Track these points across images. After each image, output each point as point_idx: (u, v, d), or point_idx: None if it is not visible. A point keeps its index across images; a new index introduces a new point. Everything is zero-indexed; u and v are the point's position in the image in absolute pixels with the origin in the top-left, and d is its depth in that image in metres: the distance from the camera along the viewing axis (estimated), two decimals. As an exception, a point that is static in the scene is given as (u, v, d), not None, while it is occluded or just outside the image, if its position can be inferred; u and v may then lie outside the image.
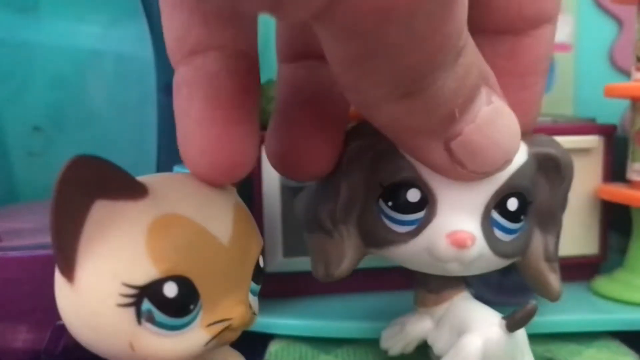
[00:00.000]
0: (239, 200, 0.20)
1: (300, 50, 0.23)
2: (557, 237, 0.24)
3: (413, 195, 0.22)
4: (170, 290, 0.16)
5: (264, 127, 0.34)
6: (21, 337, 0.27)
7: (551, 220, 0.24)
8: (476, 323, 0.23)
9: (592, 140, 0.34)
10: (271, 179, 0.32)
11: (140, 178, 0.18)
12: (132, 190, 0.17)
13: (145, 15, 0.34)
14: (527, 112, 0.23)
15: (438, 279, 0.24)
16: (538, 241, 0.24)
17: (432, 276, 0.24)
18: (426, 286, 0.25)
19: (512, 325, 0.23)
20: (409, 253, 0.23)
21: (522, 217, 0.23)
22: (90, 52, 0.41)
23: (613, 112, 0.41)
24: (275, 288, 0.32)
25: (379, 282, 0.28)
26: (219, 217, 0.18)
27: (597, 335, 0.31)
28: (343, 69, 0.17)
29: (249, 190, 0.31)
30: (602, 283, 0.34)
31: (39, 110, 0.42)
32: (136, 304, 0.16)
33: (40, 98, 0.41)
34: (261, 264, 0.20)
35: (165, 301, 0.16)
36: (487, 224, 0.22)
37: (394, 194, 0.23)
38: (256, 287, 0.20)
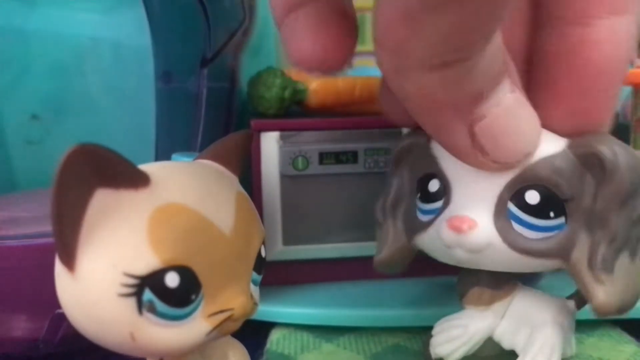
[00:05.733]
0: (241, 189, 0.20)
1: None
2: (610, 243, 0.21)
3: (433, 185, 0.24)
4: (172, 280, 0.16)
5: (263, 115, 0.34)
6: (20, 326, 0.27)
7: (599, 224, 0.21)
8: (548, 311, 0.25)
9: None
10: (270, 167, 0.32)
11: (141, 166, 0.17)
12: (133, 179, 0.17)
13: (143, 1, 0.34)
14: (593, 119, 0.22)
15: (490, 276, 0.25)
16: (583, 245, 0.22)
17: (484, 273, 0.24)
18: (480, 283, 0.25)
19: (580, 304, 0.25)
20: (428, 241, 0.24)
21: (553, 213, 0.22)
22: (88, 39, 0.41)
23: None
24: (275, 276, 0.32)
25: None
26: (221, 207, 0.18)
27: (598, 324, 0.31)
28: (399, 24, 0.17)
29: (248, 179, 0.31)
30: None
31: (36, 98, 0.41)
32: (137, 294, 0.16)
33: (38, 86, 0.41)
34: (263, 254, 0.20)
35: (167, 291, 0.16)
36: (503, 215, 0.22)
37: (421, 186, 0.24)
38: (258, 277, 0.19)
